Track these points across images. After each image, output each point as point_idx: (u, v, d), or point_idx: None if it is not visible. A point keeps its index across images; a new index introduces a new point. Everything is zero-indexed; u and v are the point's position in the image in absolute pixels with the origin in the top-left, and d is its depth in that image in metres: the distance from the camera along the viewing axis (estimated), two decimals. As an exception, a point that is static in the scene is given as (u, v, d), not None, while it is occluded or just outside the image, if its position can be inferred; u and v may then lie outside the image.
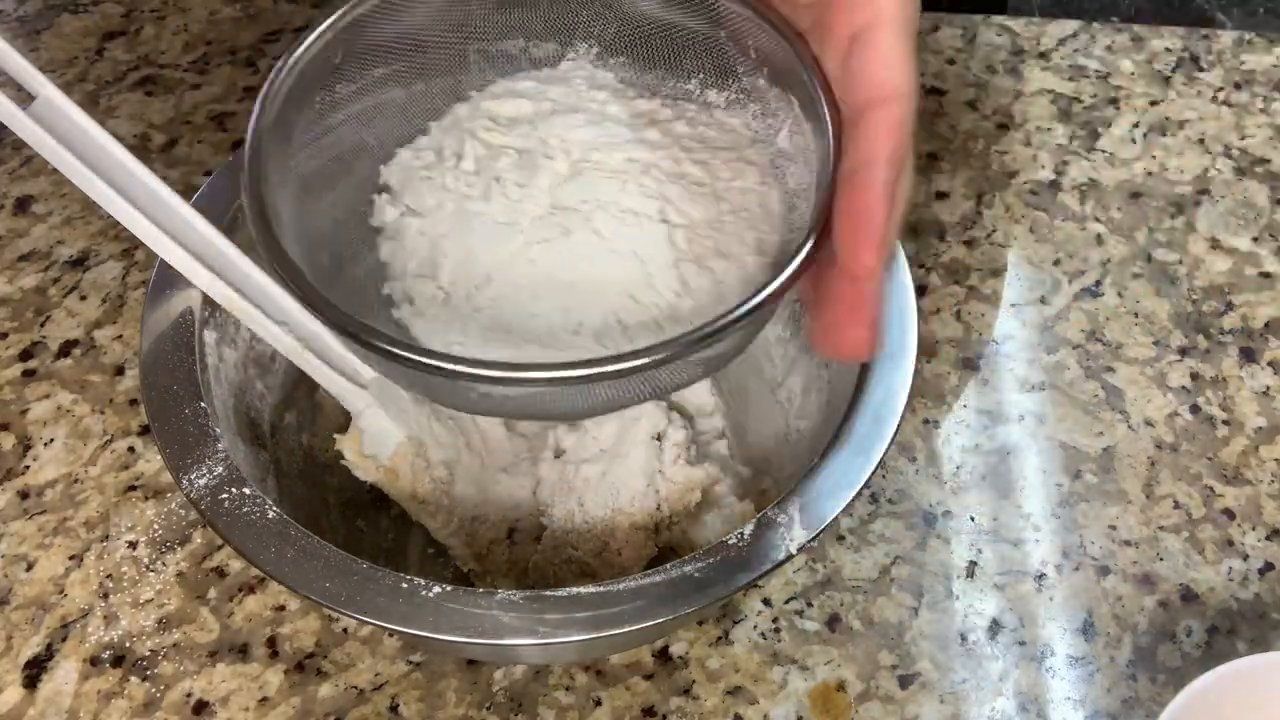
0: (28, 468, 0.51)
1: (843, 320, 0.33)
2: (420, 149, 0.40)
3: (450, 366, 0.32)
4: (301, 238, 0.36)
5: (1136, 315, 0.56)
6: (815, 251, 0.33)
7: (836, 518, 0.39)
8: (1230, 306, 0.56)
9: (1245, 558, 0.49)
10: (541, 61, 0.41)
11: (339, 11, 0.36)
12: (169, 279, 0.43)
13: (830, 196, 0.33)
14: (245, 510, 0.39)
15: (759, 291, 0.32)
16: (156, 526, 0.49)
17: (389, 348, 0.32)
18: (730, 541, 0.38)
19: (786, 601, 0.47)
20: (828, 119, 0.34)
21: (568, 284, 0.37)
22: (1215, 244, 0.58)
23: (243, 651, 0.46)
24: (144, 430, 0.52)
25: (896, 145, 0.32)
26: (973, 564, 0.48)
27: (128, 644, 0.46)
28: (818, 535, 0.38)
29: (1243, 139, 0.62)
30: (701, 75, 0.40)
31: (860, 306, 0.33)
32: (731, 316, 0.32)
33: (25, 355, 0.55)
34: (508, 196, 0.38)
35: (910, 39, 0.33)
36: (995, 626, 0.47)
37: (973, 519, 0.49)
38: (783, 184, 0.38)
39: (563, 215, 0.38)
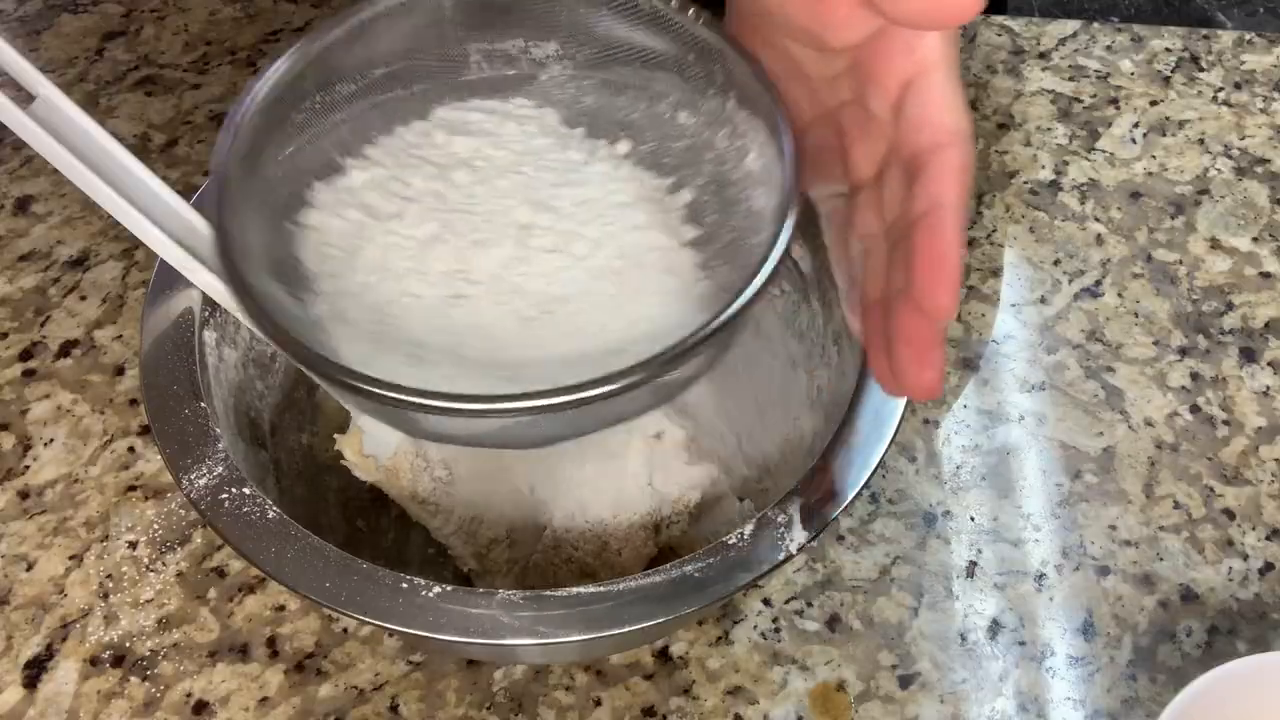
0: (28, 468, 0.51)
1: (913, 360, 0.34)
2: (361, 167, 0.40)
3: (396, 396, 0.31)
4: (273, 265, 0.36)
5: (1136, 315, 0.56)
6: (770, 279, 0.33)
7: (836, 518, 0.39)
8: (1230, 306, 0.56)
9: (1245, 558, 0.49)
10: (510, 83, 0.41)
11: (307, 39, 0.36)
12: (169, 279, 0.43)
13: (790, 232, 0.33)
14: (245, 510, 0.39)
15: (722, 312, 0.32)
16: (156, 526, 0.49)
17: (349, 380, 0.32)
18: (730, 541, 0.38)
19: (786, 601, 0.47)
20: (786, 147, 0.35)
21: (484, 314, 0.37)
22: (1215, 244, 0.58)
23: (243, 651, 0.46)
24: (144, 430, 0.52)
25: (964, 186, 0.33)
26: (973, 564, 0.48)
27: (128, 644, 0.46)
28: (818, 535, 0.38)
29: (1243, 139, 0.62)
30: (673, 97, 0.40)
31: (932, 347, 0.33)
32: (701, 335, 0.32)
33: (25, 355, 0.55)
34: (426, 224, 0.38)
35: (959, 82, 0.34)
36: (995, 626, 0.47)
37: (973, 519, 0.49)
38: (750, 204, 0.38)
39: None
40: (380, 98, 0.39)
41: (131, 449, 0.52)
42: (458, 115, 0.40)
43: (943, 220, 0.32)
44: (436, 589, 0.37)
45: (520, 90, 0.41)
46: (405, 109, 0.40)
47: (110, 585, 0.48)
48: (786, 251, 0.33)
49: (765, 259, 0.33)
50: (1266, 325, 0.55)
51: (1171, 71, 0.65)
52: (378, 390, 0.32)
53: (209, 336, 0.43)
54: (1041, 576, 0.48)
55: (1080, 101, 0.64)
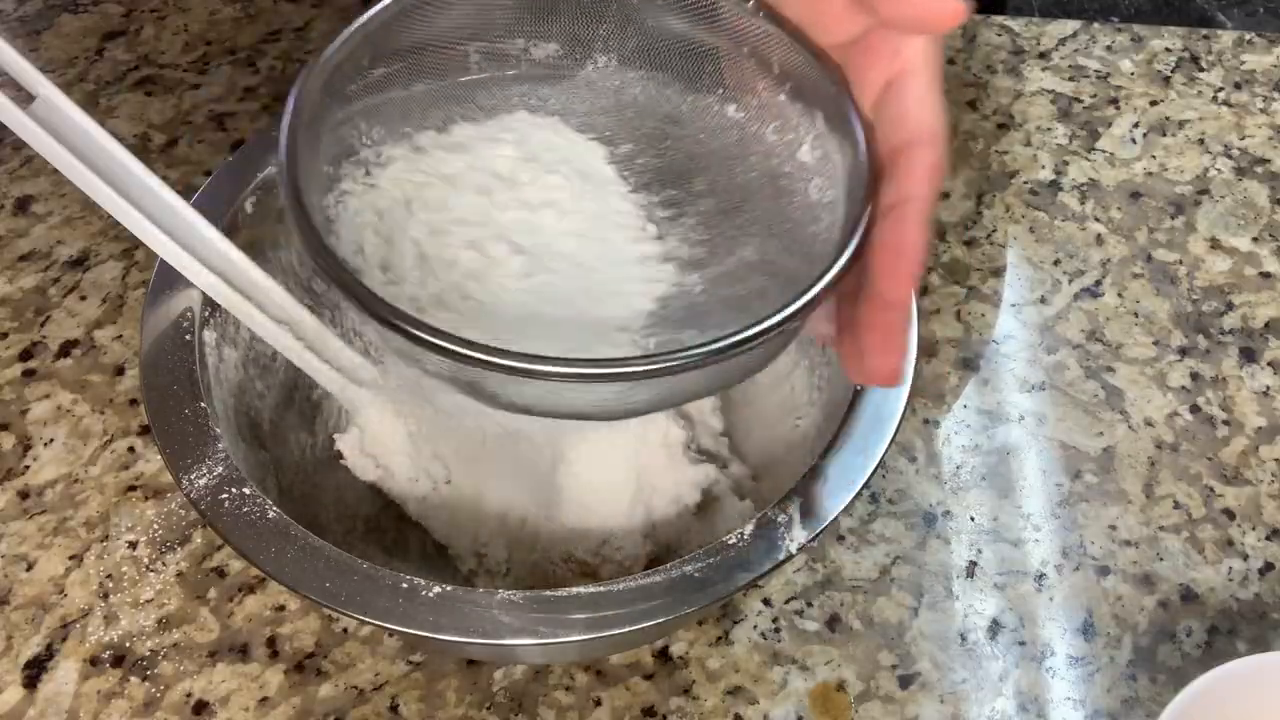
0: (28, 468, 0.51)
1: (876, 347, 0.34)
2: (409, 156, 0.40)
3: (499, 360, 0.31)
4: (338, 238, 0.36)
5: (1136, 315, 0.56)
6: (855, 259, 0.34)
7: (836, 518, 0.39)
8: (1230, 306, 0.56)
9: (1245, 558, 0.49)
10: (559, 70, 0.41)
11: (369, 14, 0.37)
12: (169, 279, 0.43)
13: (869, 212, 0.34)
14: (245, 510, 0.38)
15: (800, 296, 0.33)
16: (156, 526, 0.49)
17: (450, 346, 0.32)
18: (730, 541, 0.38)
19: (786, 601, 0.47)
20: (859, 135, 0.35)
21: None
22: (1215, 244, 0.58)
23: (243, 651, 0.46)
24: (144, 430, 0.52)
25: (935, 184, 0.34)
26: (973, 564, 0.48)
27: (128, 644, 0.46)
28: (818, 535, 0.38)
29: (1243, 139, 0.62)
30: (721, 90, 0.40)
31: (892, 334, 0.34)
32: (774, 320, 0.33)
33: (25, 355, 0.55)
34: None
35: (940, 85, 0.35)
36: (995, 626, 0.47)
37: (973, 519, 0.49)
38: (805, 197, 0.39)
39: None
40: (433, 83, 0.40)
41: (131, 449, 0.52)
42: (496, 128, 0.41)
43: (908, 214, 0.33)
44: (436, 589, 0.37)
45: (567, 80, 0.41)
46: (453, 99, 0.40)
47: (110, 585, 0.48)
48: (867, 232, 0.34)
49: (846, 241, 0.34)
50: (1266, 325, 0.55)
51: (1171, 71, 0.65)
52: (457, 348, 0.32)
53: (209, 336, 0.43)
54: (1041, 576, 0.48)
55: (1080, 101, 0.64)
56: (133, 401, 0.53)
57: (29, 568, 0.48)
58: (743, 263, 0.40)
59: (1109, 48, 0.66)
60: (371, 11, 0.37)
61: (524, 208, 0.40)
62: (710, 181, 0.41)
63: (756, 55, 0.39)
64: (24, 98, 0.37)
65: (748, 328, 0.32)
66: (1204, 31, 0.67)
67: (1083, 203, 0.60)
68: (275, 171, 0.35)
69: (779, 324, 0.33)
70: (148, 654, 0.46)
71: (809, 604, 0.47)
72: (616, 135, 0.42)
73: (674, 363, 0.32)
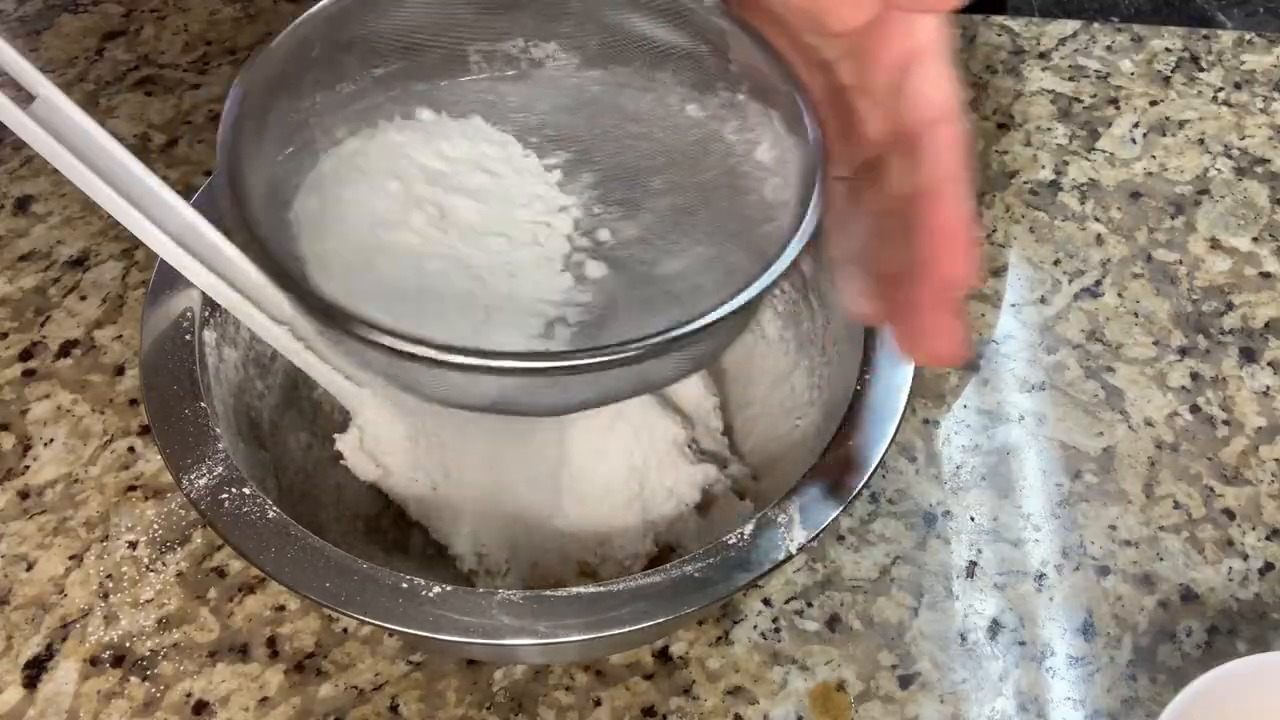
0: (28, 468, 0.51)
1: (940, 329, 0.35)
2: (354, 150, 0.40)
3: (424, 353, 0.32)
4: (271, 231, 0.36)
5: (1136, 315, 0.56)
6: (799, 255, 0.34)
7: (836, 518, 0.39)
8: (1230, 306, 0.56)
9: (1245, 558, 0.49)
10: (518, 68, 0.42)
11: (317, 6, 0.37)
12: (169, 279, 0.43)
13: (820, 206, 0.34)
14: (245, 510, 0.38)
15: (747, 286, 0.33)
16: (156, 526, 0.49)
17: (373, 337, 0.32)
18: (730, 541, 0.38)
19: (786, 601, 0.47)
20: (811, 134, 0.36)
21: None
22: (1215, 244, 0.58)
23: (243, 651, 0.46)
24: (144, 430, 0.52)
25: (964, 158, 0.34)
26: (973, 564, 0.48)
27: (128, 644, 0.46)
28: (818, 535, 0.38)
29: (1243, 139, 0.62)
30: (681, 89, 0.40)
31: (955, 314, 0.35)
32: (720, 313, 0.33)
33: (25, 355, 0.55)
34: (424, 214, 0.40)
35: (952, 61, 0.35)
36: (995, 626, 0.47)
37: (973, 519, 0.49)
38: (760, 195, 0.39)
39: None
40: (383, 74, 0.40)
41: (131, 449, 0.52)
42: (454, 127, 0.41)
43: (951, 192, 0.34)
44: (436, 589, 0.37)
45: (526, 80, 0.41)
46: (404, 96, 0.40)
47: (110, 585, 0.48)
48: (818, 227, 0.34)
49: (792, 235, 0.34)
50: (1266, 325, 0.55)
51: (1171, 71, 0.65)
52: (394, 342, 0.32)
53: (209, 336, 0.43)
54: (1041, 576, 0.48)
55: (1080, 101, 0.64)
56: (133, 401, 0.53)
57: (29, 568, 0.48)
58: (698, 259, 0.40)
59: (1109, 48, 0.66)
60: (321, 3, 0.37)
61: (442, 197, 0.40)
62: (667, 179, 0.41)
63: (717, 54, 0.39)
64: (24, 98, 0.37)
65: (690, 320, 0.33)
66: (1204, 31, 0.67)
67: (1083, 203, 0.60)
68: (216, 180, 0.35)
69: (711, 323, 0.33)
70: (148, 654, 0.46)
71: (809, 604, 0.47)
72: (574, 132, 0.42)
73: (606, 357, 0.32)
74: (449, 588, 0.37)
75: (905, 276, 0.35)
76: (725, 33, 0.38)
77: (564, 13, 0.40)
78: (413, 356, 0.32)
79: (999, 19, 0.67)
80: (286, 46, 0.36)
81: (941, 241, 0.34)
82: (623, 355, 0.32)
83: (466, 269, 0.39)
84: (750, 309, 0.34)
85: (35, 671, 0.46)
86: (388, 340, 0.32)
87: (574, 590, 0.37)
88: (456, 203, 0.40)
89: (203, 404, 0.41)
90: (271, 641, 0.46)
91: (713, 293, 0.36)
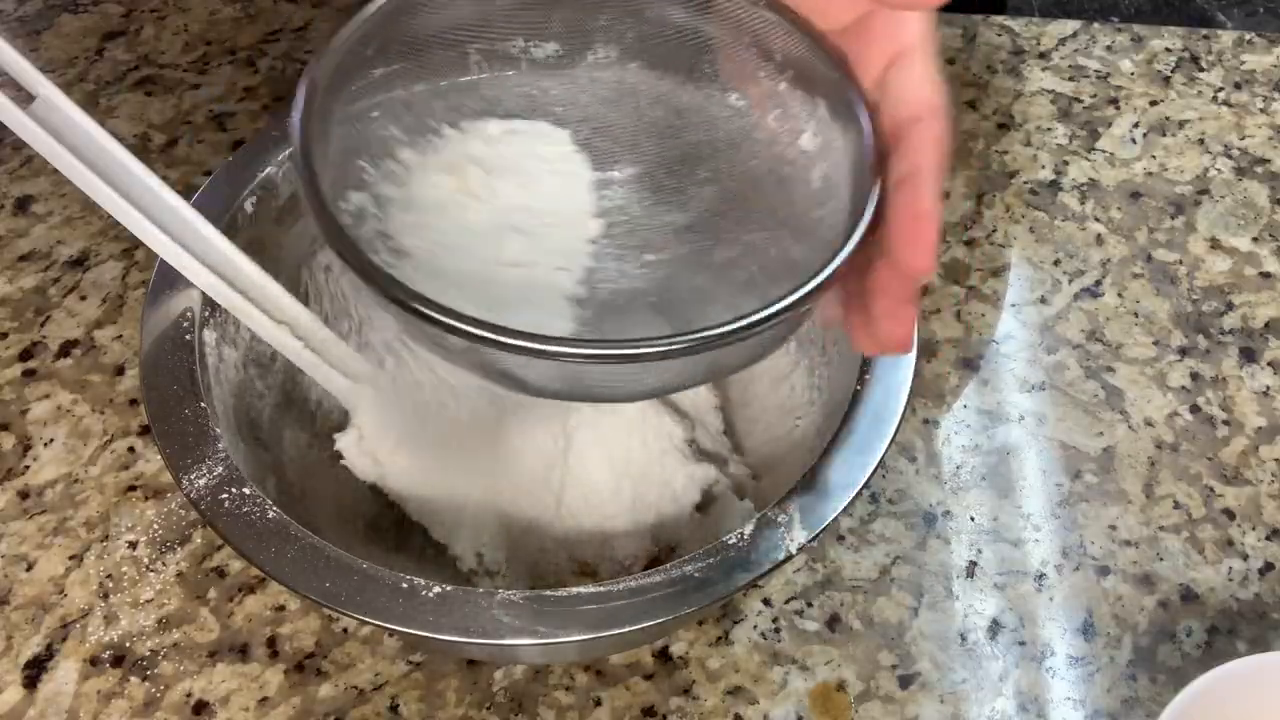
0: (28, 468, 0.51)
1: (889, 316, 0.35)
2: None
3: (496, 337, 0.32)
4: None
5: (1136, 315, 0.56)
6: (868, 236, 0.34)
7: (836, 518, 0.39)
8: (1230, 306, 0.56)
9: (1245, 558, 0.49)
10: (557, 63, 0.42)
11: (373, 6, 0.37)
12: (169, 279, 0.43)
13: (881, 192, 0.34)
14: (245, 510, 0.38)
15: (814, 276, 0.33)
16: (156, 526, 0.49)
17: (461, 325, 0.32)
18: (730, 541, 0.38)
19: (786, 601, 0.47)
20: (863, 119, 0.36)
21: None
22: (1215, 244, 0.58)
23: (243, 651, 0.46)
24: (144, 430, 0.52)
25: (942, 154, 0.34)
26: (973, 564, 0.48)
27: (128, 644, 0.46)
28: (818, 535, 0.38)
29: (1243, 139, 0.62)
30: (721, 80, 0.40)
31: (906, 303, 0.35)
32: (799, 294, 0.33)
33: (25, 355, 0.55)
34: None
35: (937, 59, 0.36)
36: (995, 626, 0.47)
37: (973, 519, 0.49)
38: (808, 184, 0.39)
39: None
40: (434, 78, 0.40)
41: (131, 449, 0.52)
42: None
43: (920, 183, 0.34)
44: (436, 589, 0.37)
45: (569, 71, 0.41)
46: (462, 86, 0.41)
47: (110, 585, 0.48)
48: (877, 212, 0.34)
49: (855, 222, 0.34)
50: (1266, 325, 0.55)
51: (1171, 71, 0.65)
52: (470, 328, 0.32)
53: (209, 336, 0.43)
54: (1041, 576, 0.48)
55: (1080, 101, 0.64)
56: (133, 401, 0.53)
57: (29, 568, 0.48)
58: (749, 248, 0.40)
59: (1109, 48, 0.66)
60: (376, 4, 0.37)
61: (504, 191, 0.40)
62: (713, 169, 0.41)
63: (758, 43, 0.39)
64: (24, 98, 0.37)
65: (765, 308, 0.33)
66: (1204, 31, 0.67)
67: (1083, 203, 0.60)
68: (292, 167, 0.35)
69: (794, 304, 0.33)
70: (148, 654, 0.46)
71: (809, 604, 0.47)
72: (617, 125, 0.42)
73: (684, 344, 0.32)
74: (449, 588, 0.37)
75: (864, 267, 0.35)
76: (765, 20, 0.38)
77: (603, 6, 0.40)
78: (516, 349, 0.32)
79: (999, 19, 0.67)
80: (345, 45, 0.36)
81: (907, 230, 0.34)
82: (709, 339, 0.32)
83: (523, 260, 0.40)
84: (817, 294, 0.34)
85: (35, 671, 0.46)
86: (501, 337, 0.32)
87: (574, 590, 0.37)
88: (511, 195, 0.40)
89: (203, 404, 0.41)
90: (271, 641, 0.46)
91: (768, 279, 0.36)
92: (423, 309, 0.32)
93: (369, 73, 0.38)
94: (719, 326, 0.32)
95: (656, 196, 0.42)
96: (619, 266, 0.41)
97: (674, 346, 0.32)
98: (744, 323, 0.32)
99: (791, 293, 0.33)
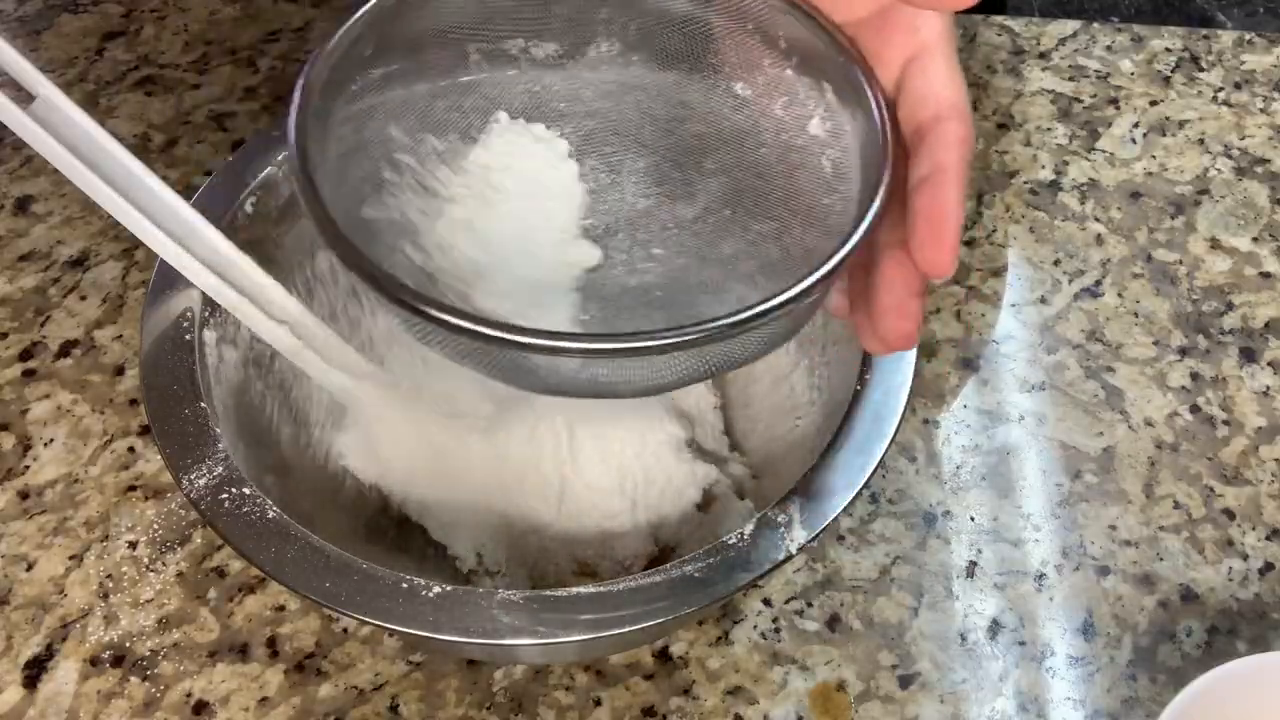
0: (28, 468, 0.51)
1: (896, 310, 0.35)
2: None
3: (503, 335, 0.32)
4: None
5: (1136, 315, 0.56)
6: (878, 223, 0.34)
7: (836, 518, 0.39)
8: (1230, 306, 0.56)
9: (1245, 558, 0.49)
10: (560, 58, 0.42)
11: (370, 4, 0.37)
12: (169, 279, 0.43)
13: (892, 177, 0.34)
14: (245, 510, 0.38)
15: (822, 264, 0.33)
16: (156, 526, 0.49)
17: (470, 324, 0.32)
18: (730, 541, 0.38)
19: (786, 601, 0.47)
20: (873, 105, 0.36)
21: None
22: (1215, 244, 0.58)
23: (243, 651, 0.46)
24: (144, 430, 0.52)
25: (965, 155, 0.34)
26: (973, 564, 0.48)
27: (128, 644, 0.46)
28: (818, 535, 0.38)
29: (1243, 139, 0.62)
30: (725, 70, 0.40)
31: (914, 297, 0.35)
32: (807, 283, 0.33)
33: (25, 355, 0.55)
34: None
35: (957, 58, 0.36)
36: (995, 626, 0.47)
37: (973, 519, 0.49)
38: (818, 171, 0.39)
39: None
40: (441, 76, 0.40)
41: (131, 449, 0.52)
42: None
43: (942, 184, 0.34)
44: (436, 589, 0.37)
45: (571, 65, 0.41)
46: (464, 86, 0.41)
47: (110, 585, 0.48)
48: (886, 199, 0.34)
49: (865, 208, 0.34)
50: (1266, 325, 0.55)
51: (1171, 71, 0.65)
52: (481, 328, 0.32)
53: (209, 336, 0.43)
54: (1041, 576, 0.48)
55: (1080, 101, 0.64)
56: (133, 401, 0.53)
57: (29, 568, 0.48)
58: (758, 239, 0.40)
59: (1109, 48, 0.66)
60: (371, 3, 0.37)
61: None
62: (720, 161, 0.41)
63: (761, 30, 0.39)
64: (24, 98, 0.37)
65: (778, 294, 0.33)
66: (1204, 31, 0.67)
67: (1083, 203, 0.60)
68: (289, 171, 0.35)
69: (807, 289, 0.33)
70: (148, 654, 0.46)
71: (809, 604, 0.47)
72: (622, 120, 0.42)
73: (697, 335, 0.32)
74: (449, 588, 0.37)
75: (875, 259, 0.35)
76: (767, 5, 0.38)
77: (600, 2, 0.40)
78: (522, 345, 0.32)
79: (999, 19, 0.67)
80: (340, 46, 0.36)
81: (928, 230, 0.34)
82: (721, 328, 0.32)
83: (528, 255, 0.40)
84: (828, 282, 0.34)
85: (35, 671, 0.46)
86: (513, 336, 0.32)
87: (574, 590, 0.37)
88: (511, 195, 0.40)
89: (203, 404, 0.41)
90: (271, 641, 0.46)
91: (778, 269, 0.36)
92: (424, 309, 0.32)
93: (368, 73, 0.38)
94: (732, 315, 0.32)
95: (663, 190, 0.42)
96: (627, 262, 0.41)
97: (686, 338, 0.32)
98: (757, 310, 0.32)
99: (805, 278, 0.33)
